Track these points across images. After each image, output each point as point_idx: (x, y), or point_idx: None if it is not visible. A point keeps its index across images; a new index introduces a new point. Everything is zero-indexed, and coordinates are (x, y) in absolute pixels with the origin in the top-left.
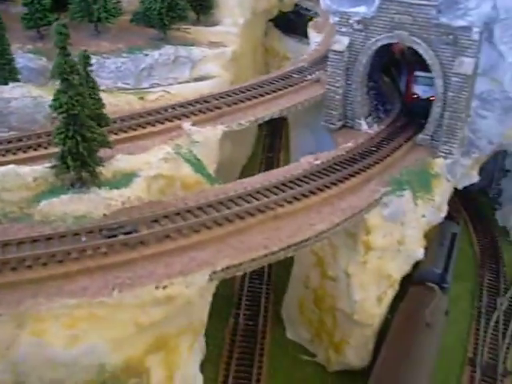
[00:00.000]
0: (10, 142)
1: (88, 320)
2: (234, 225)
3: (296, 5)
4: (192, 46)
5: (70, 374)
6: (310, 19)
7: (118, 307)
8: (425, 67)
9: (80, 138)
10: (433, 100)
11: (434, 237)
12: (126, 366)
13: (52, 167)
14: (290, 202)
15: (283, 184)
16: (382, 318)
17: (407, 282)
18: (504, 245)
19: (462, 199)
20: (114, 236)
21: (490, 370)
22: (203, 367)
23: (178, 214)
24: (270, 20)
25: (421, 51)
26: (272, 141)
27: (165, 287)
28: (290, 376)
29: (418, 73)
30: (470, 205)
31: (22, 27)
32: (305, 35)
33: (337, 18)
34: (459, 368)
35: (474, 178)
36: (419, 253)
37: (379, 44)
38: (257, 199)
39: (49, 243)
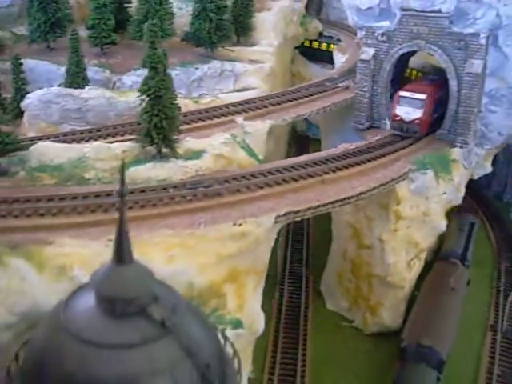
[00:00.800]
0: (90, 131)
1: (181, 247)
2: (290, 185)
3: (320, 33)
4: (235, 61)
5: None
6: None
7: (204, 239)
8: (412, 87)
9: (163, 116)
10: (417, 124)
11: (455, 225)
12: (208, 288)
13: (138, 141)
14: (333, 171)
15: (327, 159)
16: (411, 283)
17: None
18: None
19: (479, 203)
20: (195, 189)
21: (509, 334)
22: None
23: (244, 177)
24: (296, 48)
25: (436, 56)
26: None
27: (240, 225)
28: (331, 338)
29: (402, 93)
30: (486, 208)
31: (89, 45)
32: (327, 62)
33: (363, 32)
34: (482, 334)
35: (488, 168)
36: (442, 225)
37: (400, 52)
38: (306, 168)
39: (143, 194)
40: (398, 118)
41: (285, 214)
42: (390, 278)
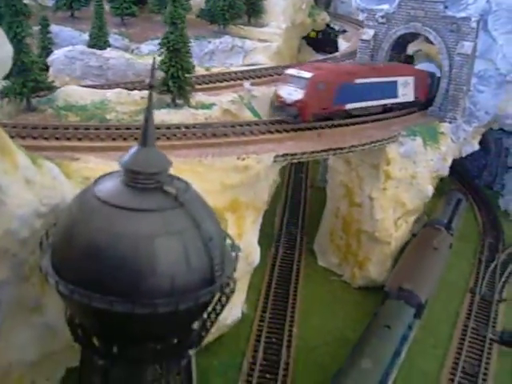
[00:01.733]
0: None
1: (191, 172)
2: (289, 134)
3: (327, 25)
4: (245, 38)
5: None
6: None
7: (211, 168)
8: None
9: (180, 67)
10: (297, 107)
11: (443, 200)
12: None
13: (155, 89)
14: (329, 127)
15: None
16: (398, 242)
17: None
18: (505, 223)
19: (471, 191)
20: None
21: (486, 296)
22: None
23: (248, 124)
24: (303, 38)
25: (431, 38)
26: None
27: (243, 159)
28: (320, 289)
29: (289, 70)
30: (477, 195)
31: (111, 17)
32: (333, 52)
33: (365, 14)
34: (461, 295)
35: (475, 146)
36: (428, 190)
37: (398, 34)
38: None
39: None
40: (281, 99)
41: (283, 155)
42: (377, 234)
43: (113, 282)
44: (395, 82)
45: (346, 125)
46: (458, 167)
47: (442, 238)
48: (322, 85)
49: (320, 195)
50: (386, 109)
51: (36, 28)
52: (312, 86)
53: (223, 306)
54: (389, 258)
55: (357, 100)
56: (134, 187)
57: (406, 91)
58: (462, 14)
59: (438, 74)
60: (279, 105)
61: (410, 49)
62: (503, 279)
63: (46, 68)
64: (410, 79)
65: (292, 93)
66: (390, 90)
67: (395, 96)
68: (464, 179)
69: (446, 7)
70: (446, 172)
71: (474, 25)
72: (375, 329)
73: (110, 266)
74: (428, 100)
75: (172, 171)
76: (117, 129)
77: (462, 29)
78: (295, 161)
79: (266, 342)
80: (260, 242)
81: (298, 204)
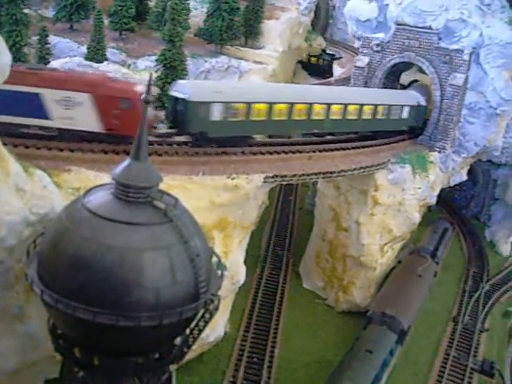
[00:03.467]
0: None
1: (180, 189)
2: (279, 156)
3: (323, 50)
4: (241, 59)
5: None
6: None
7: (201, 185)
8: None
9: None
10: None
11: (430, 229)
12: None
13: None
14: (320, 151)
15: (316, 142)
16: (383, 268)
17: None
18: (490, 254)
19: (458, 222)
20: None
21: (469, 325)
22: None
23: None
24: (299, 62)
25: (424, 68)
26: None
27: (233, 178)
28: (304, 311)
29: None
30: (464, 225)
31: (109, 31)
32: (327, 77)
33: (361, 42)
34: (444, 324)
35: (463, 176)
36: (415, 217)
37: (392, 62)
38: (295, 145)
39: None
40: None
41: (273, 176)
42: (363, 259)
43: (98, 293)
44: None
45: (337, 149)
46: (446, 197)
47: (427, 265)
48: None
49: (308, 218)
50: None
51: (35, 38)
52: None
53: (206, 323)
54: (373, 283)
55: None
56: (125, 200)
57: (75, 114)
58: (455, 46)
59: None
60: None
61: (407, 79)
62: (486, 309)
63: None
64: (83, 97)
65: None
66: (33, 105)
67: (43, 116)
68: (451, 209)
69: (439, 39)
70: (433, 200)
71: (466, 57)
72: (357, 353)
73: (95, 278)
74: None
75: (162, 187)
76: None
77: (454, 60)
78: (285, 182)
79: (248, 362)
80: (246, 262)
81: (285, 226)
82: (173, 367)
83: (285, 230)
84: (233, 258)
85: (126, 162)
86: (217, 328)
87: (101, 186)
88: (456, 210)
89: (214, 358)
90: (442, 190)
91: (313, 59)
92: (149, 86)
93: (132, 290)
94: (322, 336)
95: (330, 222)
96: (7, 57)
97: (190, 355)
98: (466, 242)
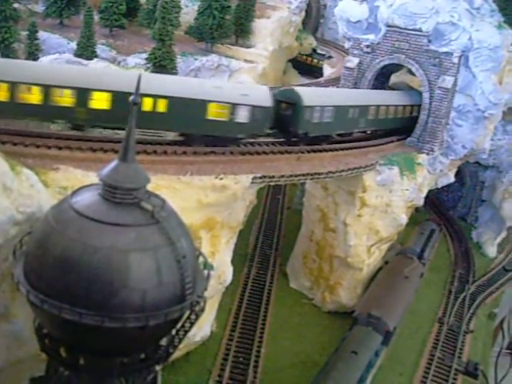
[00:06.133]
0: None
1: (168, 188)
2: (268, 157)
3: (313, 49)
4: (232, 58)
5: None
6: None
7: (188, 185)
8: None
9: None
10: None
11: (417, 230)
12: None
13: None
14: (309, 152)
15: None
16: (370, 268)
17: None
18: (476, 255)
19: (445, 223)
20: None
21: (454, 327)
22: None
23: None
24: (289, 61)
25: (413, 70)
26: None
27: (221, 178)
28: (290, 311)
29: None
30: (451, 226)
31: (99, 27)
32: (317, 76)
33: (351, 43)
34: (430, 325)
35: (451, 178)
36: (402, 219)
37: (382, 64)
38: (284, 146)
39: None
40: None
41: (261, 177)
42: (349, 259)
43: (84, 294)
44: None
45: (325, 150)
46: (434, 198)
47: (414, 267)
48: None
49: (296, 217)
50: None
51: (24, 33)
52: None
53: (192, 324)
54: (360, 283)
55: None
56: (112, 201)
57: None
58: (445, 49)
59: None
60: None
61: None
62: (471, 311)
63: None
64: None
65: None
66: None
67: None
68: (439, 210)
69: (429, 41)
70: (420, 202)
71: (455, 60)
72: (342, 354)
73: (81, 278)
74: None
75: (150, 186)
76: (98, 140)
77: (443, 63)
78: (273, 183)
79: (234, 361)
80: (233, 262)
81: (273, 225)
82: (158, 367)
83: (273, 229)
84: (220, 258)
85: (114, 163)
86: (203, 327)
87: (88, 186)
88: (443, 211)
89: (201, 357)
90: (430, 191)
91: (307, 58)
92: (137, 87)
93: (118, 291)
94: (308, 336)
95: (318, 222)
96: None
97: (177, 354)
98: (452, 243)
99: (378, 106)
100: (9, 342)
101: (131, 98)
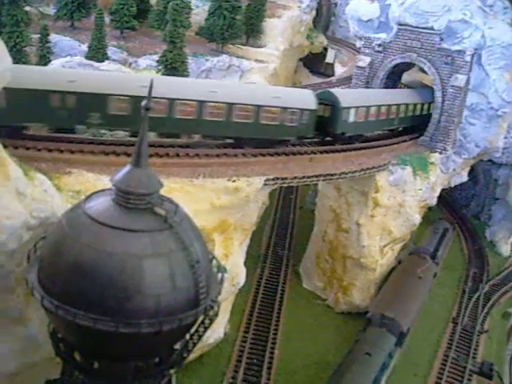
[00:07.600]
0: None
1: (180, 191)
2: (280, 158)
3: (324, 48)
4: (243, 58)
5: None
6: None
7: (201, 188)
8: None
9: None
10: None
11: (430, 229)
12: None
13: None
14: (321, 153)
15: (316, 143)
16: (383, 269)
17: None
18: (490, 254)
19: (458, 221)
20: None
21: (468, 327)
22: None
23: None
24: (300, 59)
25: (426, 68)
26: None
27: (234, 181)
28: (303, 312)
29: None
30: (464, 224)
31: (110, 29)
32: (328, 75)
33: (362, 42)
34: (444, 325)
35: (464, 177)
36: (415, 219)
37: (394, 63)
38: (295, 146)
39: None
40: None
41: (273, 179)
42: (363, 260)
43: (98, 299)
44: None
45: (338, 151)
46: (447, 197)
47: (427, 266)
48: None
49: (309, 217)
50: None
51: (35, 36)
52: None
53: (206, 328)
54: (373, 284)
55: None
56: (125, 207)
57: None
58: (457, 47)
59: None
60: None
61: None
62: (485, 310)
63: None
64: None
65: None
66: None
67: None
68: (452, 209)
69: (441, 39)
70: (433, 201)
71: (468, 58)
72: (356, 355)
73: (95, 284)
74: None
75: (163, 190)
76: (110, 144)
77: (456, 61)
78: (285, 185)
79: (247, 363)
80: (246, 263)
81: (286, 225)
82: (173, 371)
83: (285, 229)
84: (233, 260)
85: (127, 168)
86: (217, 329)
87: (101, 191)
88: (456, 210)
89: (214, 359)
90: (443, 190)
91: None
92: (150, 91)
93: (132, 296)
94: (321, 337)
95: (331, 222)
96: (8, 60)
97: (190, 356)
98: (466, 242)
99: (407, 104)
100: (24, 345)
101: (143, 103)
